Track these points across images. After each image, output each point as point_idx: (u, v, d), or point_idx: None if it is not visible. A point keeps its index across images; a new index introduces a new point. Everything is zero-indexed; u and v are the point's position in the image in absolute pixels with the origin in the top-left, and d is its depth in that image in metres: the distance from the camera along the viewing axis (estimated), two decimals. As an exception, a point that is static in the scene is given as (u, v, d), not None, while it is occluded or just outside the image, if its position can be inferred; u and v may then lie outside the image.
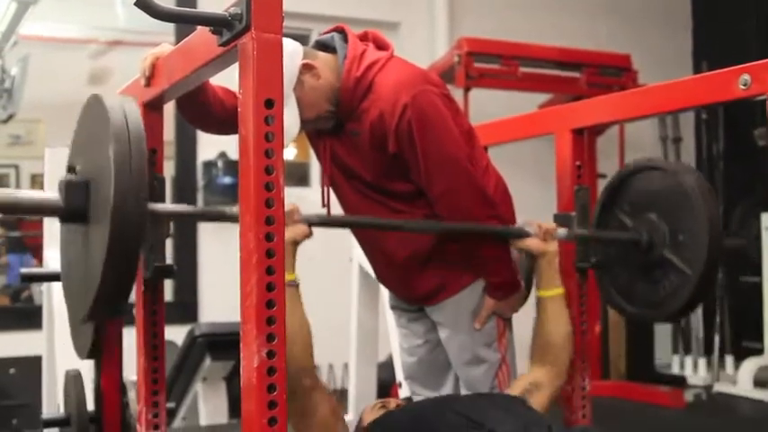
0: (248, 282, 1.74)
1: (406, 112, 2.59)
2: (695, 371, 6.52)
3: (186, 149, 6.32)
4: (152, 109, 2.48)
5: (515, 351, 2.97)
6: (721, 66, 2.58)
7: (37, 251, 6.63)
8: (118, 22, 7.42)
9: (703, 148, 7.63)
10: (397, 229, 2.79)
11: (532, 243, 2.80)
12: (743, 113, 7.00)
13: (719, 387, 6.16)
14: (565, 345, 2.79)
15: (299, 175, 6.87)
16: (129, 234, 1.83)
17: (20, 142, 8.07)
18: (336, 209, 2.91)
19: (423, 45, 6.83)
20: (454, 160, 2.67)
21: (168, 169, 2.56)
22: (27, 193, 2.17)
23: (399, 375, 3.57)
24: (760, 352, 6.17)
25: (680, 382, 6.32)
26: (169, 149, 5.74)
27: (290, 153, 6.84)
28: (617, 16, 7.59)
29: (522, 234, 2.81)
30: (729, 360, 6.58)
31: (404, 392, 3.39)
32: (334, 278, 5.06)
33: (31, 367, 4.56)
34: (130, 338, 2.55)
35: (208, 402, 4.41)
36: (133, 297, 2.58)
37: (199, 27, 1.98)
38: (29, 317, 5.42)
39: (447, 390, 3.00)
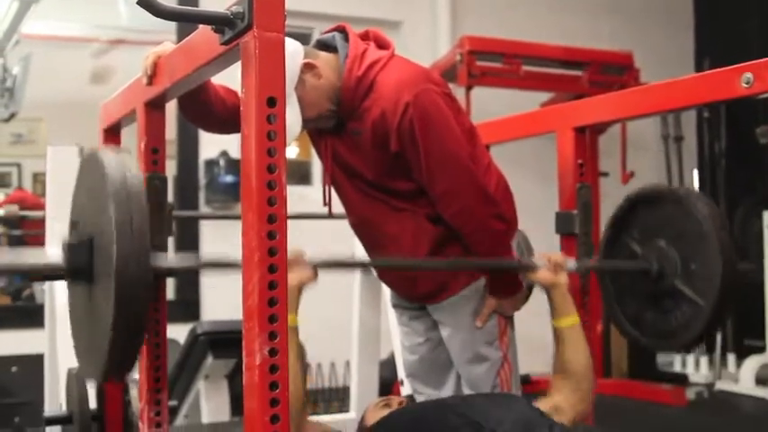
0: (250, 280, 1.74)
1: (408, 111, 2.59)
2: (697, 369, 6.52)
3: (188, 148, 6.32)
4: (154, 108, 2.48)
5: (517, 349, 2.97)
6: (723, 64, 2.58)
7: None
8: (120, 21, 7.43)
9: (705, 147, 7.64)
10: (413, 269, 2.80)
11: (543, 276, 2.75)
12: (745, 112, 7.01)
13: (721, 385, 6.17)
14: (586, 373, 2.72)
15: (300, 174, 6.87)
16: (134, 296, 1.84)
17: (22, 141, 8.08)
18: (338, 207, 2.91)
19: (425, 44, 6.83)
20: (456, 159, 2.67)
21: (170, 168, 2.56)
22: (29, 256, 2.18)
23: (401, 373, 3.57)
24: (762, 350, 6.17)
25: (682, 380, 6.33)
26: (171, 148, 5.74)
27: (291, 152, 6.84)
28: (619, 15, 7.59)
29: (532, 267, 2.78)
30: (731, 358, 6.59)
31: (405, 390, 3.40)
32: (336, 276, 5.05)
33: (32, 365, 4.56)
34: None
35: (210, 400, 4.41)
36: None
37: (201, 26, 1.98)
38: (31, 315, 5.42)
39: (448, 388, 3.00)
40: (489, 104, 5.87)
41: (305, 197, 4.62)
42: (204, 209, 6.38)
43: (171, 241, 2.56)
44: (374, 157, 2.71)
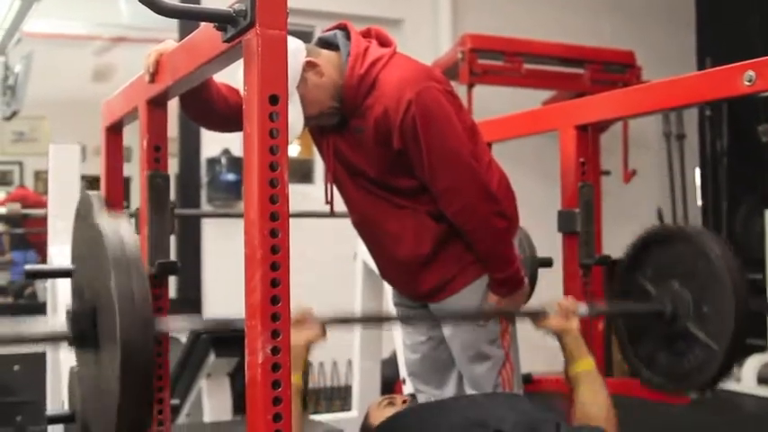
0: (253, 278, 1.74)
1: (411, 109, 2.60)
2: (699, 368, 6.51)
3: (190, 146, 6.33)
4: (156, 105, 2.47)
5: (518, 348, 2.97)
6: (725, 62, 2.57)
7: (41, 248, 6.64)
8: (121, 19, 7.45)
9: (707, 145, 7.63)
10: (415, 325, 2.81)
11: (554, 323, 2.71)
12: (746, 110, 7.00)
13: (723, 384, 6.16)
14: (608, 415, 2.61)
15: (302, 172, 6.88)
16: (139, 363, 1.83)
17: (24, 139, 8.10)
18: (340, 205, 2.91)
19: (426, 42, 6.83)
20: (458, 156, 2.67)
21: (172, 166, 2.56)
22: (34, 326, 2.19)
23: (403, 372, 3.57)
24: (763, 349, 6.17)
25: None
26: (172, 146, 5.75)
27: (293, 150, 6.84)
28: (621, 13, 7.59)
29: (543, 314, 2.74)
30: (733, 357, 6.58)
31: (407, 389, 3.40)
32: (339, 275, 5.06)
33: (35, 364, 4.55)
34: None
35: (212, 399, 4.41)
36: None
37: (203, 23, 1.97)
38: (33, 314, 5.42)
39: (450, 387, 3.00)
40: (491, 102, 5.86)
41: (307, 195, 4.63)
42: (206, 207, 6.38)
43: (173, 240, 2.56)
44: (376, 155, 2.72)
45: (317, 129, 2.85)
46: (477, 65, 5.93)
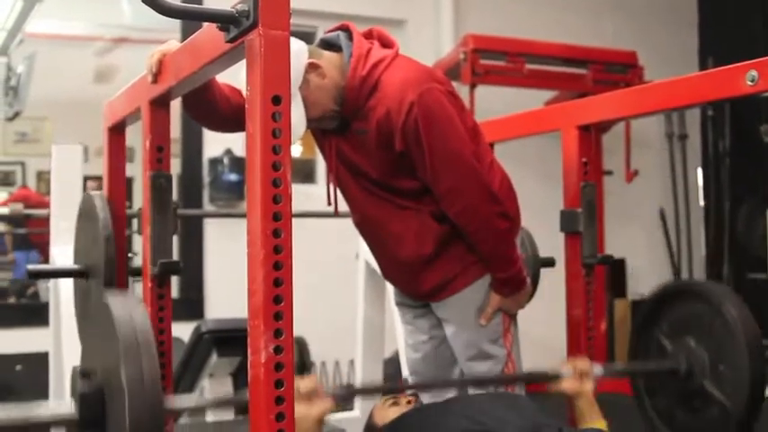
0: (255, 278, 1.74)
1: (413, 110, 2.60)
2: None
3: (192, 146, 6.32)
4: (159, 106, 2.48)
5: (520, 347, 2.97)
6: (727, 62, 2.57)
7: (43, 248, 6.64)
8: (123, 20, 7.45)
9: (709, 145, 7.63)
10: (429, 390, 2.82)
11: (568, 385, 2.69)
12: (749, 110, 7.00)
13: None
14: None
15: (305, 172, 6.88)
16: None
17: (26, 139, 8.11)
18: (342, 205, 2.91)
19: (428, 42, 6.83)
20: (460, 157, 2.67)
21: (174, 166, 2.56)
22: (41, 409, 2.18)
23: (405, 371, 3.57)
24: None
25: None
26: (175, 146, 5.75)
27: (296, 150, 6.84)
28: (623, 13, 7.59)
29: (557, 377, 2.72)
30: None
31: (410, 389, 3.40)
32: (341, 275, 5.07)
33: (37, 364, 4.56)
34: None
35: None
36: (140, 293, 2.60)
37: (206, 24, 1.98)
38: (35, 313, 5.43)
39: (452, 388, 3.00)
40: (493, 103, 5.87)
41: (309, 195, 4.63)
42: (208, 207, 6.39)
43: (175, 240, 2.56)
44: (379, 156, 2.72)
45: (320, 130, 2.85)
46: (479, 65, 5.93)
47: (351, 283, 4.66)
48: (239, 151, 6.21)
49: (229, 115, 2.68)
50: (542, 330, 4.32)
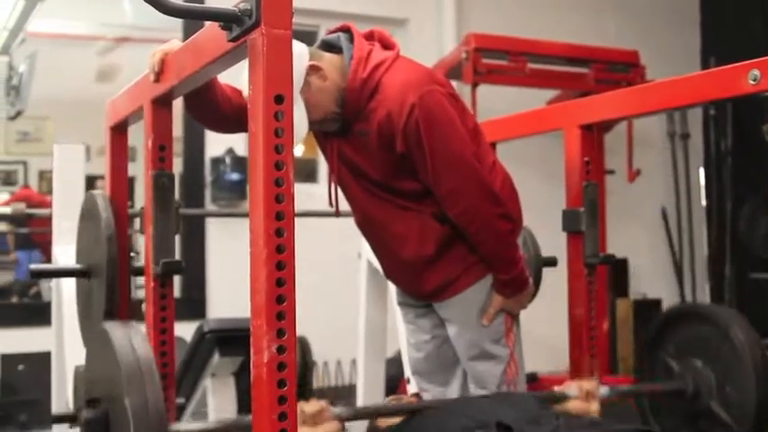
0: (258, 277, 1.74)
1: (414, 112, 2.60)
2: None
3: (194, 146, 6.33)
4: (161, 105, 2.48)
5: (523, 347, 2.97)
6: (730, 62, 2.57)
7: (45, 247, 6.65)
8: (125, 19, 7.45)
9: (711, 145, 7.63)
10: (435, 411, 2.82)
11: (574, 405, 2.71)
12: (751, 110, 6.99)
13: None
14: None
15: (306, 172, 6.87)
16: None
17: (28, 139, 8.11)
18: (344, 205, 2.91)
19: (430, 41, 6.83)
20: (461, 159, 2.67)
21: (176, 166, 2.56)
22: None
23: (407, 371, 3.57)
24: (768, 348, 6.15)
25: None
26: (177, 146, 5.75)
27: (297, 149, 6.84)
28: (625, 12, 7.59)
29: (564, 397, 2.74)
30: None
31: (412, 388, 3.40)
32: (343, 274, 5.07)
33: (39, 363, 4.56)
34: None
35: (217, 398, 4.41)
36: (142, 294, 2.59)
37: (208, 23, 1.98)
38: (37, 313, 5.44)
39: (455, 385, 3.00)
40: (495, 102, 5.86)
41: (311, 195, 4.63)
42: (210, 206, 6.39)
43: (177, 239, 2.56)
44: (380, 158, 2.72)
45: (321, 131, 2.85)
46: (481, 64, 5.92)
47: (353, 283, 4.66)
48: (241, 151, 6.22)
49: (230, 115, 2.68)
50: (544, 330, 4.32)
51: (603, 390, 2.79)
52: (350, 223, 3.02)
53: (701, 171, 7.72)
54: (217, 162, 6.30)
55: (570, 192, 3.10)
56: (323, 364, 6.43)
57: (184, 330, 4.45)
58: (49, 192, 4.46)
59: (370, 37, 2.81)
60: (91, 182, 3.61)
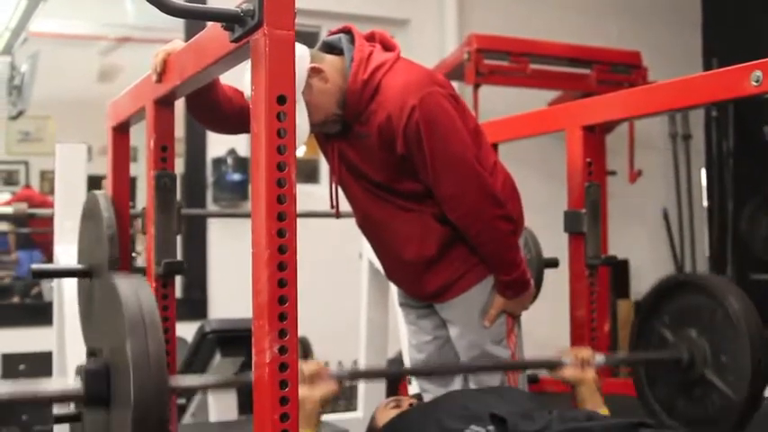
0: (260, 278, 1.74)
1: (414, 114, 2.60)
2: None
3: (196, 146, 6.33)
4: (163, 105, 2.48)
5: (524, 348, 2.97)
6: (731, 63, 2.57)
7: (46, 247, 6.65)
8: (127, 19, 7.45)
9: (713, 146, 7.63)
10: (430, 376, 2.85)
11: (569, 373, 2.72)
12: (753, 111, 6.99)
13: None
14: None
15: (307, 172, 6.87)
16: (152, 424, 1.83)
17: (29, 139, 8.11)
18: (345, 205, 2.91)
19: (432, 42, 6.83)
20: (462, 161, 2.67)
21: (177, 166, 2.56)
22: (48, 384, 2.21)
23: (409, 372, 3.57)
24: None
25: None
26: (178, 146, 5.75)
27: (300, 151, 6.84)
28: (627, 13, 7.58)
29: (559, 364, 2.74)
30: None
31: (413, 389, 3.40)
32: (344, 275, 5.06)
33: (41, 363, 4.56)
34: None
35: (217, 398, 4.41)
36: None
37: (210, 23, 1.98)
38: (39, 313, 5.43)
39: (456, 386, 3.00)
40: (496, 103, 5.86)
41: (312, 195, 4.62)
42: (212, 207, 6.39)
43: (178, 240, 2.56)
44: (381, 160, 2.72)
45: (322, 133, 2.85)
46: (483, 65, 5.91)
47: (354, 284, 4.66)
48: (243, 151, 6.22)
49: (231, 116, 2.68)
50: (546, 331, 4.31)
51: (599, 358, 2.80)
52: (351, 224, 3.02)
53: (703, 172, 7.72)
54: (218, 162, 6.30)
55: (572, 193, 3.10)
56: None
57: (186, 331, 4.46)
58: (51, 192, 4.47)
59: (370, 38, 2.80)
60: (94, 182, 3.60)
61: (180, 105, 2.57)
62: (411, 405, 2.66)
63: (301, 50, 2.61)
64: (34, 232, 7.49)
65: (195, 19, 1.93)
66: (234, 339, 4.23)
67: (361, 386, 4.66)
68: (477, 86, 5.88)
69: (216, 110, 2.67)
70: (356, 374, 2.66)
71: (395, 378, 2.67)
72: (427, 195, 2.74)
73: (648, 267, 7.37)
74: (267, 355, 1.72)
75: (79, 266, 2.90)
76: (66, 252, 3.43)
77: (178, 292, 2.58)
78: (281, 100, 1.74)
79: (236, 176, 6.26)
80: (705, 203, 7.67)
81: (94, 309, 2.23)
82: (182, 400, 3.96)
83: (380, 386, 4.62)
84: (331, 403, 2.44)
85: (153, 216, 2.48)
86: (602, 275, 3.17)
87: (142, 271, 2.61)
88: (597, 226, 3.07)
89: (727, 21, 7.65)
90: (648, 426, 2.30)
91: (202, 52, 2.10)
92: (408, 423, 2.48)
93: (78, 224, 2.96)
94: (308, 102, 2.62)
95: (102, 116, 2.95)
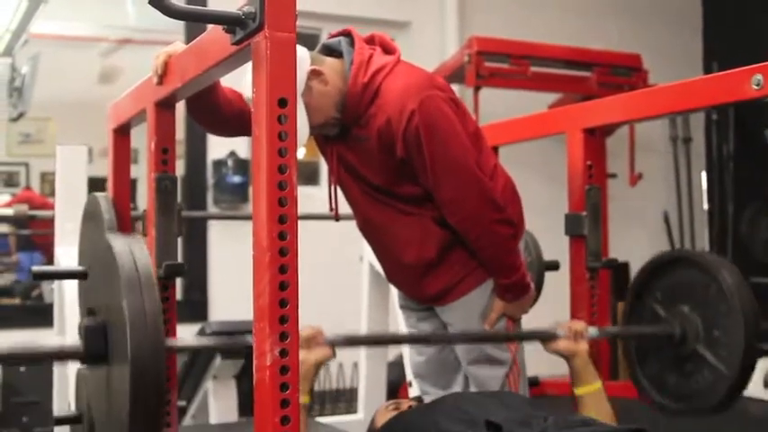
0: (261, 280, 1.74)
1: (414, 118, 2.60)
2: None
3: (196, 148, 6.33)
4: (164, 108, 2.48)
5: (525, 351, 2.97)
6: (732, 66, 2.57)
7: (46, 249, 6.64)
8: (128, 21, 7.45)
9: (713, 149, 7.63)
10: (424, 344, 2.84)
11: (563, 345, 2.73)
12: (753, 114, 6.99)
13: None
14: None
15: (307, 174, 6.87)
16: (150, 379, 1.85)
17: (30, 140, 8.10)
18: (345, 208, 2.91)
19: (433, 44, 6.83)
20: (462, 166, 2.67)
21: (178, 168, 2.56)
22: (47, 342, 2.22)
23: (409, 374, 3.57)
24: (771, 353, 6.15)
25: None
26: (179, 148, 5.75)
27: (299, 153, 6.83)
28: (627, 16, 7.58)
29: (552, 337, 2.75)
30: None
31: (414, 391, 3.40)
32: (345, 277, 5.06)
33: (41, 365, 4.55)
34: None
35: (218, 400, 4.41)
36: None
37: (211, 26, 1.98)
38: (39, 314, 5.43)
39: (456, 388, 3.00)
40: (497, 106, 5.86)
41: (312, 198, 4.63)
42: (212, 209, 6.39)
43: (179, 242, 2.56)
44: (380, 163, 2.72)
45: (322, 135, 2.84)
46: (483, 67, 5.90)
47: (355, 286, 4.66)
48: (243, 153, 6.22)
49: (231, 119, 2.68)
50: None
51: (592, 330, 2.81)
52: (352, 226, 3.02)
53: (703, 175, 7.72)
54: (219, 164, 6.30)
55: (572, 195, 3.10)
56: (324, 367, 6.42)
57: (186, 333, 4.46)
58: (51, 194, 4.46)
59: (370, 41, 2.80)
60: (95, 183, 3.60)
61: (180, 107, 2.57)
62: (410, 407, 2.65)
63: (302, 52, 2.60)
64: (35, 234, 7.48)
65: (196, 21, 1.93)
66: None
67: (362, 389, 4.66)
68: (477, 89, 5.88)
69: (216, 112, 2.67)
70: (351, 340, 2.66)
71: (385, 342, 2.68)
72: (427, 199, 2.74)
73: (649, 270, 7.35)
74: (268, 357, 1.72)
75: (80, 268, 2.90)
76: (66, 254, 3.43)
77: (178, 295, 2.58)
78: (283, 103, 1.74)
79: (237, 178, 6.26)
80: (705, 206, 7.66)
81: (93, 268, 2.24)
82: (182, 402, 3.95)
83: (381, 389, 4.62)
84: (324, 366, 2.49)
85: (153, 218, 2.48)
86: (602, 278, 3.17)
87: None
88: (598, 229, 3.07)
89: (728, 23, 7.65)
90: None
91: (203, 55, 2.10)
92: (406, 424, 2.48)
93: (79, 226, 2.96)
94: (308, 104, 2.62)
95: (103, 118, 2.95)
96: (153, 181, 2.48)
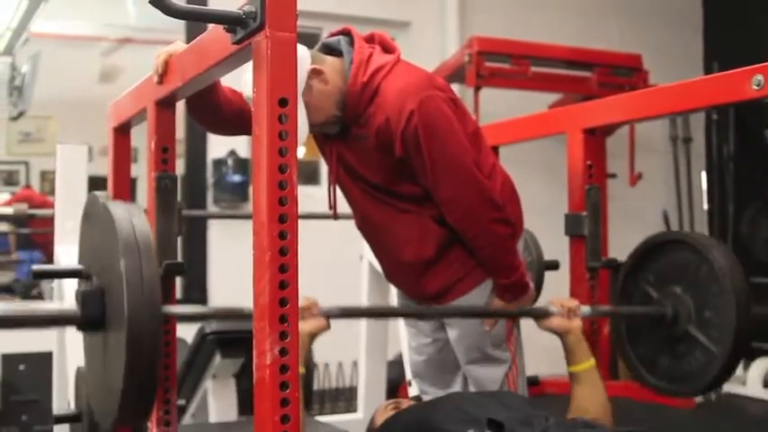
0: (261, 280, 1.74)
1: (413, 118, 2.60)
2: (704, 371, 6.49)
3: (196, 147, 6.33)
4: (164, 107, 2.48)
5: (524, 350, 2.97)
6: (732, 66, 2.57)
7: (46, 248, 6.64)
8: (128, 20, 7.45)
9: (714, 149, 7.63)
10: (419, 318, 2.87)
11: (556, 322, 2.73)
12: (753, 114, 6.99)
13: (729, 388, 6.13)
14: (605, 414, 2.63)
15: (307, 174, 6.87)
16: (145, 346, 1.85)
17: (30, 139, 8.10)
18: (345, 207, 2.91)
19: (433, 44, 6.83)
20: (461, 166, 2.67)
21: (178, 167, 2.56)
22: (44, 306, 2.23)
23: (409, 374, 3.57)
24: (770, 353, 6.16)
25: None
26: (179, 147, 5.75)
27: (299, 152, 6.83)
28: (628, 16, 7.58)
29: (545, 314, 2.75)
30: (739, 361, 6.56)
31: (413, 391, 3.40)
32: (345, 276, 5.06)
33: (41, 363, 4.56)
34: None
35: (217, 399, 4.41)
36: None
37: (212, 25, 1.98)
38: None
39: (456, 388, 3.01)
40: (497, 106, 5.86)
41: (312, 197, 4.62)
42: (212, 208, 6.39)
43: (179, 241, 2.56)
44: (379, 162, 2.72)
45: (321, 134, 2.85)
46: (484, 67, 5.90)
47: (354, 285, 4.66)
48: (243, 152, 6.22)
49: (231, 118, 2.68)
50: (546, 333, 4.31)
51: (585, 309, 2.81)
52: (351, 225, 3.02)
53: (703, 175, 7.72)
54: (219, 164, 6.30)
55: (573, 195, 3.10)
56: (324, 366, 6.43)
57: (186, 332, 4.46)
58: (51, 192, 4.46)
59: (370, 40, 2.80)
60: (95, 182, 3.60)
61: (181, 106, 2.57)
62: (410, 407, 2.66)
63: (302, 51, 2.60)
64: (34, 233, 7.48)
65: (197, 21, 1.93)
66: (234, 340, 4.23)
67: (362, 388, 4.66)
68: (478, 89, 5.88)
69: (216, 111, 2.67)
70: (347, 312, 2.67)
71: (381, 315, 2.70)
72: (426, 197, 2.74)
73: (649, 270, 7.36)
74: (268, 356, 1.72)
75: (80, 267, 2.90)
76: (66, 253, 3.43)
77: (178, 293, 2.58)
78: (283, 102, 1.74)
79: (237, 178, 6.27)
80: (705, 207, 7.66)
81: (90, 232, 2.25)
82: (182, 401, 3.95)
83: (380, 388, 4.62)
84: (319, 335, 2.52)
85: (153, 217, 2.48)
86: (602, 278, 3.17)
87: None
88: (598, 229, 3.07)
89: (729, 23, 7.65)
90: None
91: (204, 54, 2.10)
92: (405, 423, 2.49)
93: (79, 225, 2.96)
94: (308, 103, 2.62)
95: (103, 117, 2.95)
96: (153, 180, 2.48)
